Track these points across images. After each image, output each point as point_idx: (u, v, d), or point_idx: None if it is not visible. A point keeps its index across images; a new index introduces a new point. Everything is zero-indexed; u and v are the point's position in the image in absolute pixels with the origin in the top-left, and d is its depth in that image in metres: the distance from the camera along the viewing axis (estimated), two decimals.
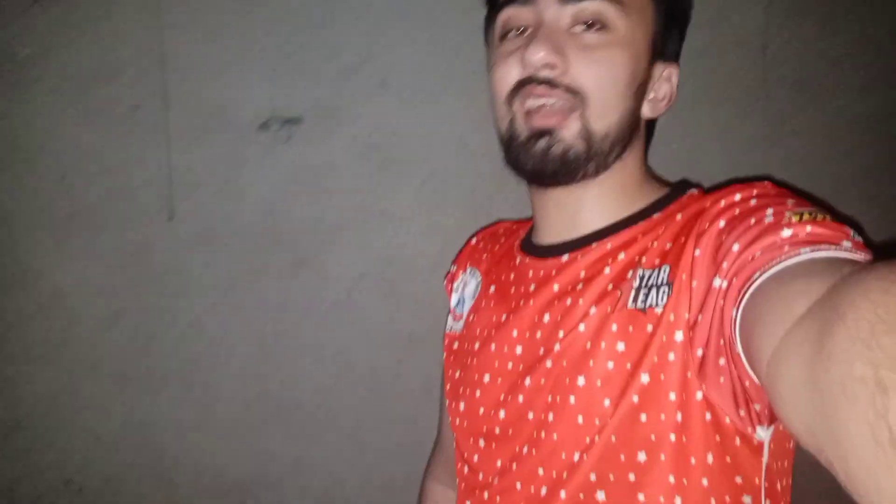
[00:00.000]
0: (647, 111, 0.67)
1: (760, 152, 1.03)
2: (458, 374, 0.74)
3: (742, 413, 0.53)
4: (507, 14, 0.65)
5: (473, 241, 0.86)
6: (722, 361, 0.51)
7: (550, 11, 0.62)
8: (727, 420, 0.53)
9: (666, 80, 0.68)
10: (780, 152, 1.04)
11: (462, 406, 0.71)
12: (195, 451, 1.01)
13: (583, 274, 0.63)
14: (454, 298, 0.81)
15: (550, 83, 0.61)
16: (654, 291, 0.57)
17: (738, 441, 0.54)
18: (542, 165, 0.63)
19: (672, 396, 0.54)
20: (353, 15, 0.91)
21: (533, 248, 0.71)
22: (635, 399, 0.56)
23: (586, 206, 0.67)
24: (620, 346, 0.57)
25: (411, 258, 1.00)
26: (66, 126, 0.88)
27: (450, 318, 0.81)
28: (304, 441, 1.03)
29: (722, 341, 0.51)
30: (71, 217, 0.92)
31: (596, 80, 0.61)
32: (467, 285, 0.79)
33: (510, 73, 0.63)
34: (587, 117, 0.61)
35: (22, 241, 0.92)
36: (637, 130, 0.67)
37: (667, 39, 0.67)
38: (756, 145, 1.03)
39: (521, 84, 0.62)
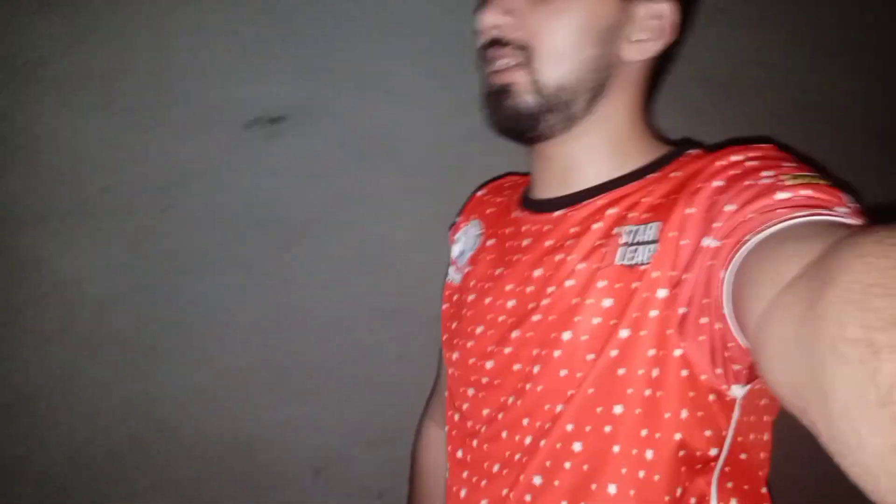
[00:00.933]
0: (631, 54, 0.64)
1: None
2: (454, 325, 0.76)
3: (718, 371, 0.53)
4: None
5: (480, 192, 0.86)
6: (704, 320, 0.51)
7: None
8: (703, 377, 0.54)
9: (653, 17, 0.64)
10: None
11: (456, 356, 0.73)
12: (193, 420, 1.10)
13: (573, 230, 0.64)
14: (456, 249, 0.82)
15: (499, 42, 0.62)
16: (641, 248, 0.57)
17: (711, 397, 0.55)
18: (501, 120, 0.65)
19: (651, 352, 0.55)
20: (332, 19, 1.01)
21: (529, 203, 0.72)
22: (613, 353, 0.56)
23: (578, 162, 0.66)
24: (607, 303, 0.58)
25: (390, 240, 1.12)
26: (68, 124, 0.95)
27: (451, 268, 0.82)
28: (293, 405, 1.14)
29: (706, 301, 0.51)
30: (72, 210, 0.99)
31: (545, 33, 0.61)
32: (468, 236, 0.80)
33: (478, 40, 0.65)
34: (535, 70, 0.62)
35: (25, 234, 0.98)
36: (614, 77, 0.64)
37: None
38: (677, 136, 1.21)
39: (483, 48, 0.65)
